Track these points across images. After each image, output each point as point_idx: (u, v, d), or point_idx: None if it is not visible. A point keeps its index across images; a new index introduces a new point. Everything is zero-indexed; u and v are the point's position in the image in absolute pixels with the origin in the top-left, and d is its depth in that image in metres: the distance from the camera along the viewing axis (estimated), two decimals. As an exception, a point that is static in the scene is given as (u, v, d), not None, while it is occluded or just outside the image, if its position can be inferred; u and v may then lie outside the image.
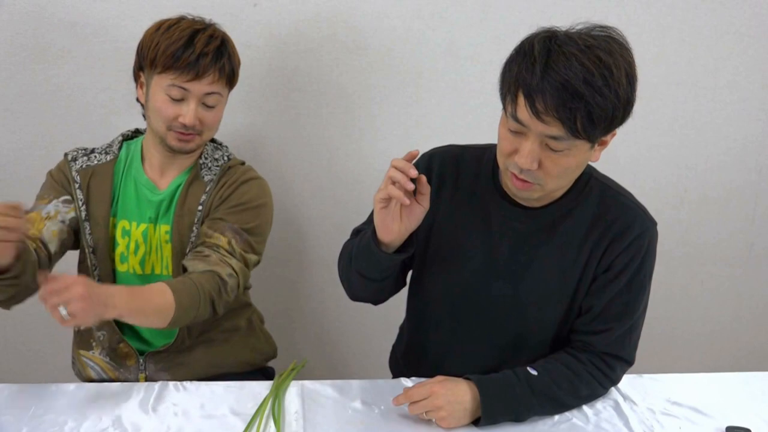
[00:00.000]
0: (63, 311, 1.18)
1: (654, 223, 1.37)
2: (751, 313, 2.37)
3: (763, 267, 2.32)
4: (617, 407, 1.39)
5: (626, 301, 1.36)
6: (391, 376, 1.67)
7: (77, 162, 1.58)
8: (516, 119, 1.20)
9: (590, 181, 1.37)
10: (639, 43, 2.03)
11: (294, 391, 1.40)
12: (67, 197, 1.55)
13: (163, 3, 1.85)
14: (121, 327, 1.62)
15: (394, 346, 1.72)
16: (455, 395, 1.29)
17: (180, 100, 1.49)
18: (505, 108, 1.24)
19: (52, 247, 1.50)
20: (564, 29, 1.22)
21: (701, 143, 2.16)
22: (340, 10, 1.91)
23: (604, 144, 1.27)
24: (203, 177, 1.58)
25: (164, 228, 1.57)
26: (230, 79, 1.55)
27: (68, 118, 1.94)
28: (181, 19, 1.52)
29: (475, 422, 1.31)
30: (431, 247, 1.44)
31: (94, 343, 1.62)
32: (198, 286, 1.42)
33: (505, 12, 1.94)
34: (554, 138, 1.18)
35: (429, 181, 1.37)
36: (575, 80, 1.13)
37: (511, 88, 1.20)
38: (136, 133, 1.67)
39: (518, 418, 1.31)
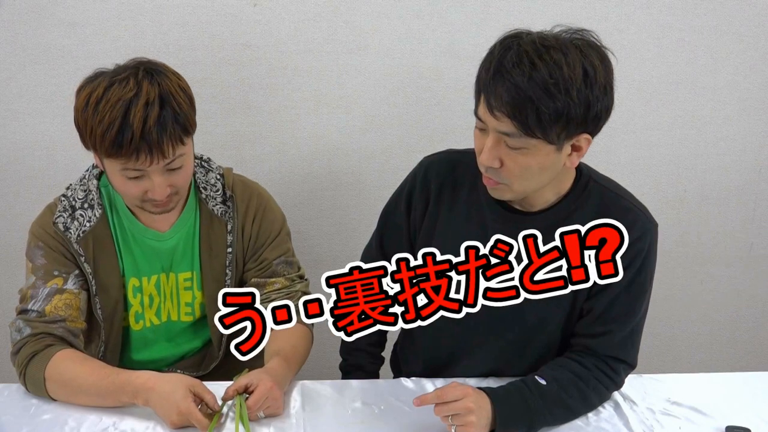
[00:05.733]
0: (261, 415, 1.30)
1: (654, 224, 1.36)
2: (751, 313, 2.37)
3: (763, 267, 2.32)
4: (617, 407, 1.39)
5: (627, 303, 1.35)
6: (391, 375, 1.67)
7: (70, 230, 1.40)
8: (477, 116, 1.25)
9: (589, 184, 1.36)
10: (639, 43, 2.05)
11: (294, 391, 1.40)
12: (77, 271, 1.43)
13: (163, 3, 1.85)
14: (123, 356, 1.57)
15: (395, 345, 1.72)
16: (484, 402, 1.25)
17: (141, 177, 1.32)
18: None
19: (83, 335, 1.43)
20: (538, 30, 1.22)
21: (701, 143, 2.16)
22: (340, 10, 1.91)
23: (578, 150, 1.26)
24: (215, 211, 1.48)
25: (184, 275, 1.51)
26: (186, 129, 1.32)
27: (68, 118, 1.92)
28: (108, 87, 1.27)
29: None
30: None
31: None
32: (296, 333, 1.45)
33: (505, 12, 1.94)
34: (507, 134, 1.20)
35: (427, 192, 1.42)
36: (522, 81, 1.15)
37: (476, 88, 1.25)
38: None
39: (531, 429, 1.29)
